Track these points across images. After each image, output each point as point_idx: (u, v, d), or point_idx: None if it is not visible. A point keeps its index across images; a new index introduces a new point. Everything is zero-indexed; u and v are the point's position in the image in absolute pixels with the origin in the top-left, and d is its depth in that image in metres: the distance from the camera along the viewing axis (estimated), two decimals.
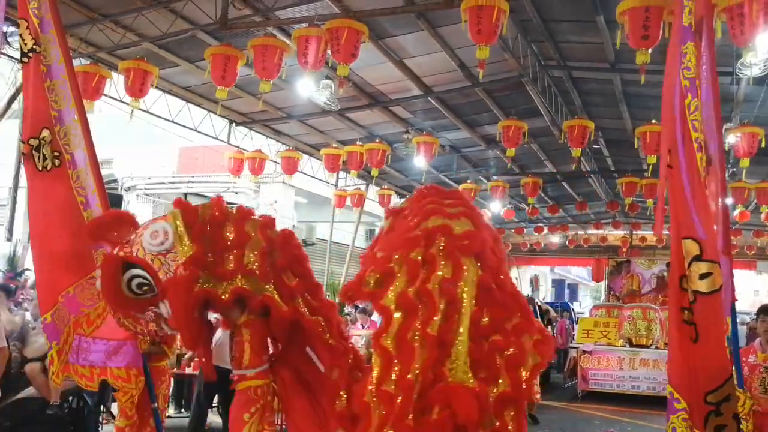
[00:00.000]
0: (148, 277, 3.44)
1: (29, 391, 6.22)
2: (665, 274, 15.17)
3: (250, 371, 4.10)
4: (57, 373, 4.69)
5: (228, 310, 3.60)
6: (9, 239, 9.26)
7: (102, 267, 3.60)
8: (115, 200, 11.05)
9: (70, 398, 6.52)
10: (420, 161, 11.95)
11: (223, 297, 3.43)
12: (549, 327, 15.74)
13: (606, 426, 9.57)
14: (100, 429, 6.90)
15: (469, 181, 14.80)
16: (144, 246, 3.49)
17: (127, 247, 3.51)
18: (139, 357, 4.62)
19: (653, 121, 10.00)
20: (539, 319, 14.56)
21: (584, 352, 12.35)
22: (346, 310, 12.81)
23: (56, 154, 4.81)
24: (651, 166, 10.73)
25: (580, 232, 23.70)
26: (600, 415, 10.56)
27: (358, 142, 12.02)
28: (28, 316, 6.81)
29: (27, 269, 7.24)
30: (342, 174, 14.81)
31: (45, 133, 4.81)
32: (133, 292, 3.48)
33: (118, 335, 4.66)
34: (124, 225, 3.69)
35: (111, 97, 10.08)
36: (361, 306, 13.34)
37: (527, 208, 17.26)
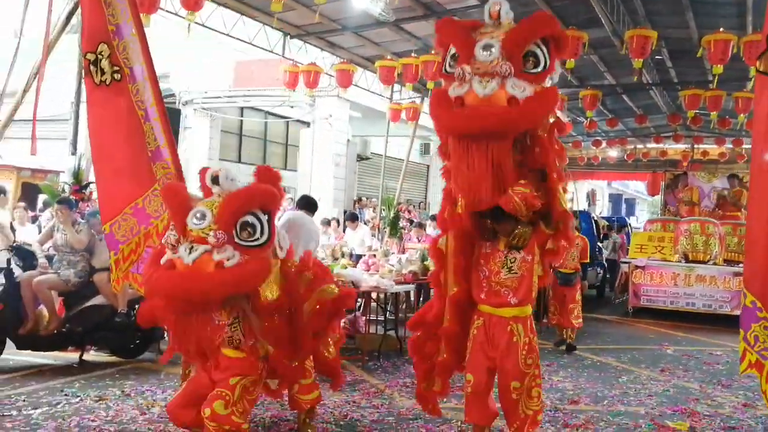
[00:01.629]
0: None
1: (98, 299, 6.55)
2: (726, 193, 14.58)
3: None
4: (117, 281, 4.91)
5: None
6: (73, 153, 9.53)
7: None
8: (173, 114, 11.17)
9: (137, 306, 6.83)
10: None
11: None
12: (604, 242, 15.59)
13: (661, 340, 9.54)
14: (165, 336, 7.25)
15: None
16: None
17: None
18: None
19: (721, 29, 9.44)
20: (595, 234, 14.50)
21: (636, 267, 11.99)
22: (400, 224, 12.90)
23: (116, 68, 4.85)
24: (716, 77, 10.20)
25: (639, 146, 23.03)
26: (654, 329, 10.52)
27: (413, 54, 11.73)
28: (102, 226, 7.05)
29: (91, 182, 7.45)
30: (397, 87, 14.57)
31: (102, 47, 4.84)
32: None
33: None
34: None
35: (167, 11, 10.04)
36: (416, 221, 13.43)
37: (585, 121, 16.77)
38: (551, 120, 3.99)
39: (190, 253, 3.57)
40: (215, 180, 3.87)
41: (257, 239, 3.74)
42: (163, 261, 3.70)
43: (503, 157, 3.71)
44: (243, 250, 3.67)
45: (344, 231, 12.55)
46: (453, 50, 3.82)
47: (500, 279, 4.01)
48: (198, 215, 3.69)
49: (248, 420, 4.05)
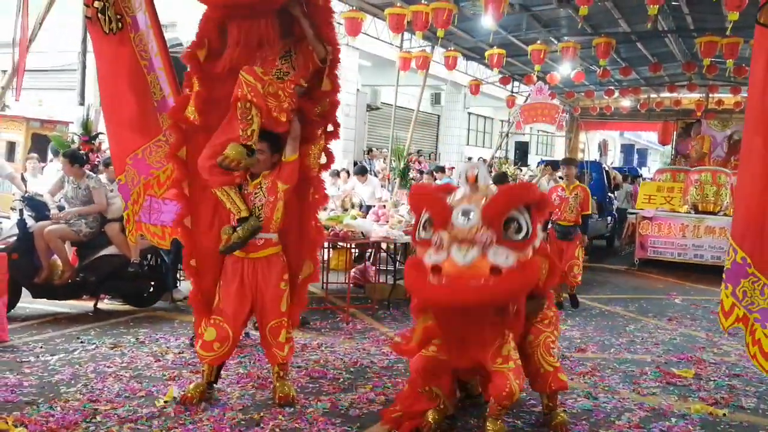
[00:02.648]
0: None
1: (111, 249, 6.61)
2: (738, 137, 14.16)
3: (275, 236, 4.34)
4: (132, 231, 4.94)
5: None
6: (81, 104, 9.50)
7: None
8: (180, 65, 11.06)
9: (149, 256, 6.90)
10: (488, 21, 11.41)
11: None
12: (616, 192, 15.52)
13: (669, 290, 9.57)
14: (177, 285, 7.34)
15: (538, 42, 14.12)
16: None
17: None
18: None
19: None
20: (606, 184, 14.43)
21: (644, 218, 11.65)
22: (410, 175, 12.88)
23: (119, 16, 4.79)
24: (732, 23, 9.94)
25: (653, 96, 22.71)
26: (663, 279, 10.54)
27: (423, 1, 11.50)
28: (104, 178, 7.07)
29: (101, 133, 7.43)
30: (407, 35, 14.34)
31: None
32: None
33: None
34: None
35: None
36: (426, 170, 13.39)
37: (598, 70, 16.51)
38: None
39: (464, 256, 3.42)
40: (475, 179, 3.73)
41: (520, 235, 3.55)
42: (428, 262, 3.53)
43: (484, 323, 3.68)
44: (513, 246, 3.49)
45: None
46: (426, 215, 3.69)
47: None
48: (464, 213, 3.53)
49: None
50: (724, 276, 3.57)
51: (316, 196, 4.53)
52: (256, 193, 4.25)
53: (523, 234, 3.52)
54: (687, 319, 7.57)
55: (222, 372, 4.59)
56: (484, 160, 17.58)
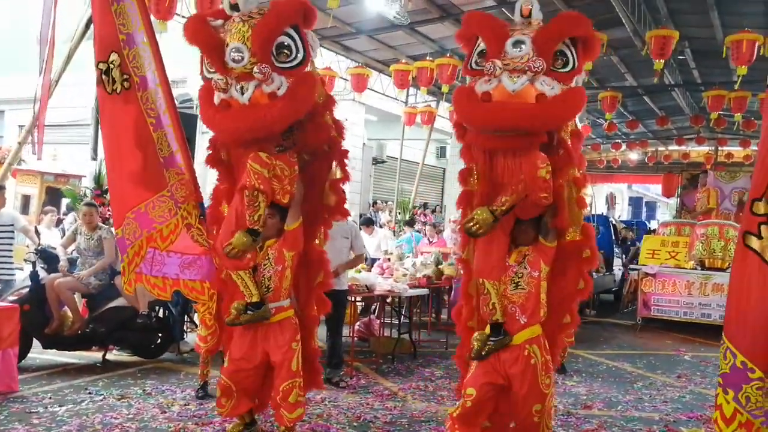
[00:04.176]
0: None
1: (120, 301, 6.69)
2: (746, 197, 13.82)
3: (287, 302, 4.41)
4: (129, 282, 5.01)
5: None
6: (94, 158, 9.69)
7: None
8: (190, 119, 11.31)
9: (157, 308, 6.97)
10: None
11: None
12: (623, 245, 15.48)
13: (678, 346, 9.46)
14: (185, 336, 7.36)
15: None
16: None
17: None
18: (213, 271, 4.82)
19: (746, 29, 9.32)
20: (613, 238, 14.41)
21: (647, 274, 10.92)
22: (416, 227, 12.94)
23: (125, 76, 4.93)
24: (740, 78, 10.07)
25: (661, 149, 22.80)
26: (672, 335, 10.34)
27: (428, 58, 11.76)
28: (114, 230, 7.18)
29: None
30: (412, 91, 14.61)
31: (113, 56, 4.93)
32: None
33: (193, 250, 4.89)
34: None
35: (183, 17, 10.17)
36: (429, 223, 13.47)
37: (605, 123, 16.66)
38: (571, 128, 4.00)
39: (242, 93, 3.70)
40: (235, 7, 3.87)
41: (295, 58, 3.82)
42: (216, 101, 3.87)
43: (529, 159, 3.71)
44: (287, 73, 3.76)
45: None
46: (481, 46, 3.78)
47: (508, 294, 3.94)
48: (234, 52, 3.75)
49: None
50: (720, 380, 3.32)
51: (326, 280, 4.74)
52: (264, 264, 4.34)
53: (569, 67, 3.66)
54: (697, 377, 7.47)
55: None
56: None
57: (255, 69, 3.71)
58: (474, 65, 3.80)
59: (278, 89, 3.75)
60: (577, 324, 4.31)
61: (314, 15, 4.09)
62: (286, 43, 3.80)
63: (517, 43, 3.61)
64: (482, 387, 3.91)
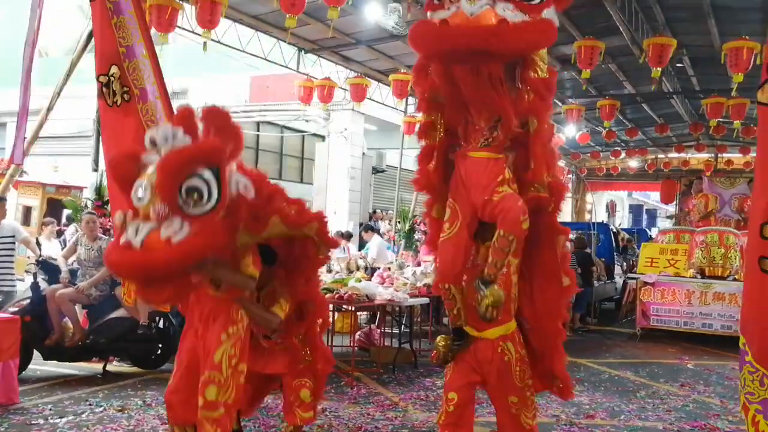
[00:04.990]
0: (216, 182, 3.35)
1: (120, 312, 6.69)
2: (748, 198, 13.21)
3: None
4: (129, 293, 5.01)
5: None
6: (95, 170, 9.71)
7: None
8: None
9: (157, 319, 6.96)
10: None
11: None
12: (624, 253, 15.48)
13: (680, 355, 9.41)
14: None
15: None
16: None
17: None
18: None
19: (744, 36, 9.36)
20: (614, 246, 14.40)
21: (645, 283, 10.60)
22: (415, 237, 12.94)
23: (125, 89, 4.97)
24: (738, 85, 10.09)
25: (661, 156, 22.83)
26: (674, 343, 10.24)
27: None
28: None
29: None
30: (411, 100, 14.64)
31: (114, 69, 4.97)
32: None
33: None
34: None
35: (183, 29, 10.22)
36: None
37: (604, 131, 16.70)
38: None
39: (135, 234, 3.24)
40: (154, 143, 3.42)
41: (207, 203, 3.31)
42: (121, 242, 3.32)
43: (496, 81, 3.57)
44: (192, 219, 3.26)
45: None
46: None
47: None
48: (140, 189, 3.32)
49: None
50: (759, 407, 3.34)
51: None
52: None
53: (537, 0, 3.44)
54: (700, 385, 7.43)
55: None
56: None
57: (151, 210, 3.27)
58: (436, 0, 3.57)
59: (174, 235, 3.23)
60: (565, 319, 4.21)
61: (239, 150, 3.62)
62: (197, 187, 3.30)
63: None
64: (462, 389, 3.93)
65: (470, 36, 3.26)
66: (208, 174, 3.32)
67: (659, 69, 9.82)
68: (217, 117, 3.64)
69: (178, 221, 3.23)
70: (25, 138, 6.92)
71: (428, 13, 3.60)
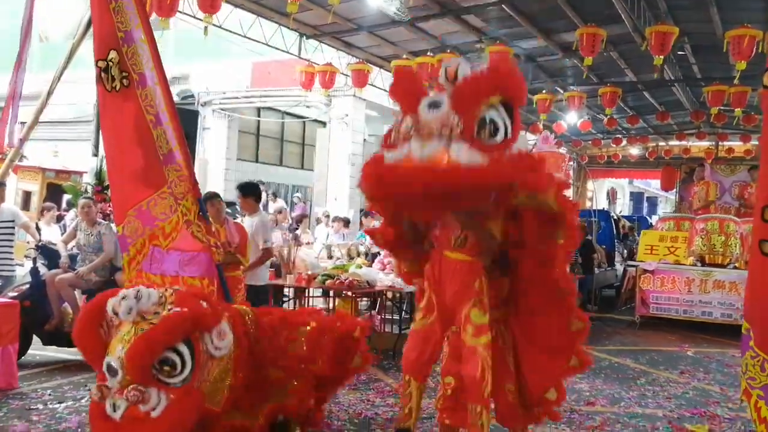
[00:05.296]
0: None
1: None
2: (752, 183, 12.97)
3: None
4: (130, 280, 5.01)
5: None
6: (95, 155, 9.69)
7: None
8: (192, 116, 11.31)
9: None
10: None
11: None
12: (625, 241, 15.47)
13: (680, 342, 9.41)
14: None
15: (544, 91, 14.34)
16: None
17: None
18: (213, 268, 4.84)
19: (746, 24, 9.31)
20: (615, 233, 14.39)
21: (645, 271, 10.48)
22: None
23: (124, 74, 4.93)
24: (740, 73, 10.04)
25: (662, 144, 22.79)
26: (674, 331, 10.19)
27: (429, 53, 11.76)
28: (114, 227, 7.19)
29: None
30: None
31: (112, 54, 4.93)
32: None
33: (193, 247, 4.89)
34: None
35: (185, 14, 10.17)
36: None
37: (605, 118, 16.66)
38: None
39: (114, 410, 3.23)
40: (116, 314, 3.36)
41: (179, 375, 3.28)
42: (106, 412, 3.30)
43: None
44: (168, 390, 3.26)
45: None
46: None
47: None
48: (110, 370, 3.28)
49: None
50: (761, 392, 3.34)
51: None
52: None
53: (500, 135, 3.03)
54: (700, 372, 7.43)
55: None
56: None
57: (125, 393, 3.22)
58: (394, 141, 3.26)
59: (153, 409, 3.21)
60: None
61: (215, 319, 3.49)
62: (171, 359, 3.27)
63: (433, 105, 3.07)
64: (458, 374, 3.81)
65: (414, 183, 2.96)
66: (182, 346, 3.29)
67: (661, 57, 9.78)
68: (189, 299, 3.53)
69: (154, 394, 3.21)
70: (23, 123, 6.89)
71: (384, 152, 3.26)
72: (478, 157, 2.93)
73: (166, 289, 3.54)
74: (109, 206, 8.09)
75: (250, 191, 6.98)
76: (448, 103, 3.01)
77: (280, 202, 15.54)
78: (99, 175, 8.13)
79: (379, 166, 3.16)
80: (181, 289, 3.65)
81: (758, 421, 3.33)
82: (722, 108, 13.41)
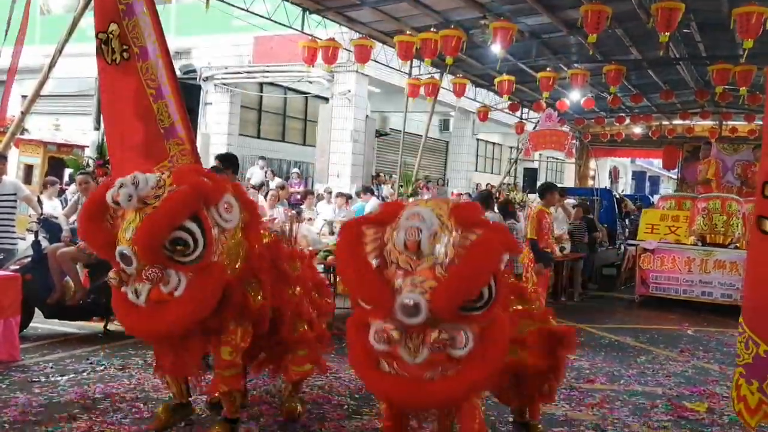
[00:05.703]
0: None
1: None
2: (756, 163, 12.50)
3: None
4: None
5: None
6: (97, 128, 9.67)
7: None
8: (194, 90, 11.23)
9: None
10: (497, 48, 11.52)
11: None
12: (626, 220, 15.45)
13: (681, 320, 9.43)
14: None
15: (548, 69, 14.22)
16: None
17: None
18: None
19: (754, 1, 9.17)
20: (617, 212, 14.37)
21: (645, 250, 10.43)
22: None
23: (125, 47, 4.88)
24: (746, 51, 9.93)
25: (665, 123, 22.67)
26: (675, 309, 10.19)
27: (432, 29, 11.64)
28: None
29: None
30: (416, 62, 14.49)
31: (113, 26, 4.87)
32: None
33: None
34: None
35: None
36: (431, 196, 13.45)
37: (609, 97, 16.55)
38: None
39: (137, 296, 3.31)
40: (117, 204, 3.38)
41: (194, 252, 3.32)
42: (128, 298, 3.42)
43: None
44: (185, 269, 3.32)
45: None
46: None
47: None
48: (123, 258, 3.31)
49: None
50: (743, 371, 3.27)
51: None
52: None
53: (484, 302, 2.88)
54: (700, 351, 7.46)
55: None
56: (492, 186, 17.64)
57: (143, 274, 3.28)
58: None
59: (176, 289, 3.30)
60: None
61: (218, 192, 3.54)
62: (182, 238, 3.29)
63: (410, 312, 2.80)
64: None
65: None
66: (190, 223, 3.32)
67: (667, 34, 9.66)
68: (185, 174, 3.61)
69: (173, 275, 3.29)
70: (25, 96, 6.85)
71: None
72: (471, 334, 2.90)
73: (163, 172, 3.59)
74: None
75: (229, 162, 6.66)
76: (425, 303, 2.79)
77: (279, 180, 15.52)
78: (100, 149, 8.11)
79: (372, 359, 3.14)
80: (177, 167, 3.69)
81: (737, 399, 3.28)
82: (727, 87, 13.31)
